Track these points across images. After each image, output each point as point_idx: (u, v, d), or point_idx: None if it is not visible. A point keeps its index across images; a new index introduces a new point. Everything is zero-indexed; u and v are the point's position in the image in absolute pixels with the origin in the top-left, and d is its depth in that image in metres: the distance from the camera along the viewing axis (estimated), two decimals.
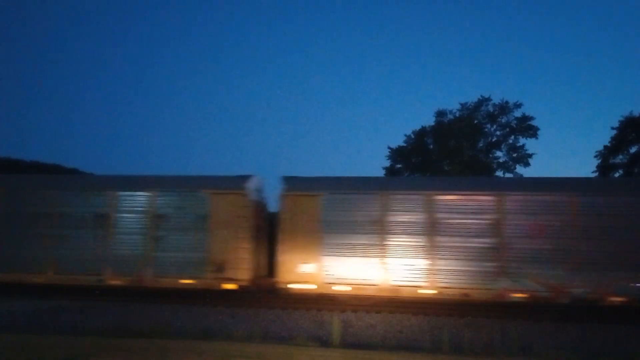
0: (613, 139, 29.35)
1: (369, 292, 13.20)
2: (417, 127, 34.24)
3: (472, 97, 45.26)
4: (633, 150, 28.83)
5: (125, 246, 14.37)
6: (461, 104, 33.56)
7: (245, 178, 14.51)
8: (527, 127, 32.03)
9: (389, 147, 33.89)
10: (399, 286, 13.07)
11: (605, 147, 29.74)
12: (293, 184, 14.35)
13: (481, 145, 33.22)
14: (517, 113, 32.39)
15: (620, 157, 29.35)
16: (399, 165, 33.86)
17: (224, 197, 14.12)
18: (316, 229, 13.56)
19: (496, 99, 33.05)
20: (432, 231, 13.12)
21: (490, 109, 33.03)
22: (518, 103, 32.44)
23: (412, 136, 33.85)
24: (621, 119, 29.12)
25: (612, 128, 29.52)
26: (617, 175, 28.99)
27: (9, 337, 9.39)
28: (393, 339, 10.29)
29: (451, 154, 31.71)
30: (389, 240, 13.27)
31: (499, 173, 32.03)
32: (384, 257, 13.21)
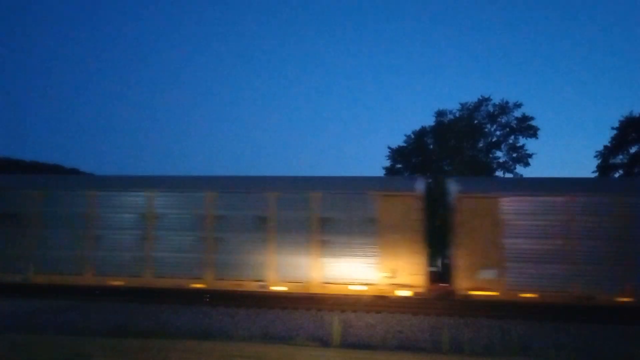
0: (613, 139, 29.35)
1: (560, 299, 12.40)
2: (417, 127, 34.20)
3: (472, 97, 45.30)
4: (633, 150, 28.83)
5: (289, 250, 13.65)
6: (461, 104, 33.51)
7: (415, 179, 13.71)
8: (527, 127, 32.00)
9: (389, 147, 33.87)
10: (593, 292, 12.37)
11: (605, 147, 29.74)
12: (469, 185, 13.72)
13: (481, 145, 33.18)
14: (517, 113, 32.35)
15: (620, 157, 29.35)
16: (399, 165, 33.82)
17: (393, 199, 13.33)
18: (498, 233, 12.80)
19: (496, 99, 33.02)
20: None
21: (490, 109, 32.99)
22: (518, 103, 32.42)
23: (412, 136, 33.80)
24: (621, 119, 29.14)
25: (612, 128, 29.55)
26: (617, 175, 29.00)
27: (9, 337, 9.39)
28: (393, 339, 10.29)
29: (451, 154, 31.67)
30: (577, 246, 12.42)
31: (499, 173, 32.01)
32: (575, 263, 12.40)
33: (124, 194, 14.76)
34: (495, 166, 32.37)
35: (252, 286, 13.65)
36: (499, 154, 32.94)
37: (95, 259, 14.50)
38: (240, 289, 13.71)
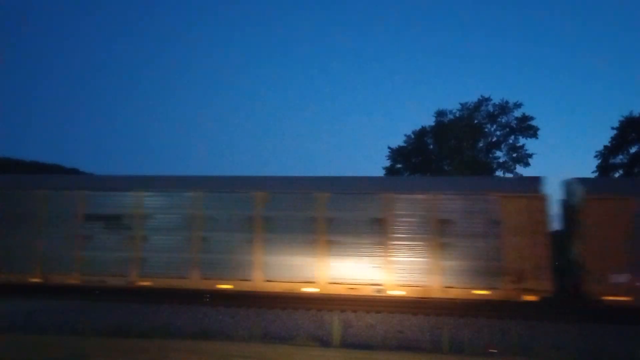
0: (613, 139, 29.34)
1: None
2: (417, 127, 34.24)
3: (472, 97, 45.35)
4: (633, 150, 28.83)
5: (405, 253, 13.23)
6: (461, 104, 33.54)
7: (538, 179, 13.38)
8: (527, 127, 32.01)
9: (389, 147, 33.90)
10: None
11: (605, 147, 29.72)
12: (598, 187, 13.38)
13: (481, 145, 33.20)
14: (517, 113, 32.37)
15: (620, 157, 29.35)
16: (399, 165, 33.85)
17: (517, 200, 12.91)
18: (631, 236, 12.31)
19: (496, 99, 33.05)
20: None
21: (490, 109, 33.01)
22: (518, 103, 32.44)
23: (412, 136, 33.84)
24: (621, 119, 29.13)
25: (612, 128, 29.53)
26: (617, 175, 29.00)
27: (9, 337, 9.38)
28: (393, 339, 10.29)
29: (451, 154, 31.70)
30: None
31: (499, 173, 32.02)
32: None
33: (233, 194, 14.38)
34: (495, 166, 32.39)
35: (367, 290, 13.25)
36: (499, 154, 32.97)
37: (202, 262, 14.13)
38: (355, 294, 13.34)
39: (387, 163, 34.14)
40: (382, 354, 8.97)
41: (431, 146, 33.39)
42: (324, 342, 9.84)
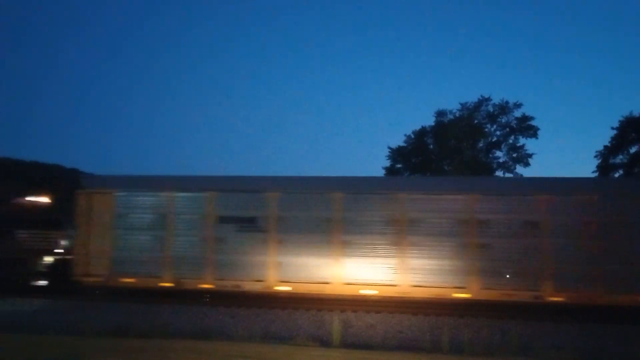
0: (613, 139, 29.36)
1: None
2: (417, 127, 34.26)
3: (472, 97, 45.30)
4: (633, 150, 28.85)
5: (567, 258, 12.58)
6: (461, 104, 33.57)
7: None
8: (527, 127, 32.04)
9: (389, 147, 33.91)
10: None
11: (605, 147, 29.74)
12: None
13: (481, 145, 33.23)
14: (517, 113, 32.41)
15: (620, 157, 29.36)
16: (399, 165, 33.86)
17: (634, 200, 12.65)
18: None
19: (496, 99, 33.07)
20: None
21: (490, 109, 33.03)
22: (518, 103, 32.47)
23: (412, 136, 33.86)
24: (621, 119, 29.15)
25: (612, 128, 29.55)
26: (617, 175, 29.00)
27: (9, 337, 9.39)
28: (393, 339, 10.30)
29: (451, 154, 31.73)
30: None
31: (499, 173, 32.04)
32: None
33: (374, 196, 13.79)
34: (495, 166, 32.41)
35: (525, 296, 12.75)
36: (499, 154, 33.02)
37: (344, 266, 13.51)
38: (509, 299, 12.75)
39: (387, 163, 34.18)
40: (382, 354, 8.97)
41: (431, 146, 33.42)
42: (324, 342, 9.84)
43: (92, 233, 14.64)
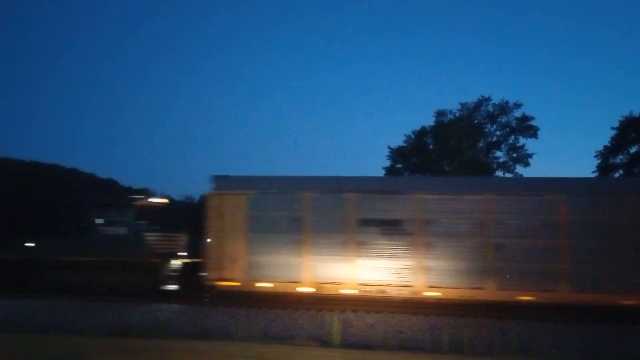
0: (613, 139, 29.36)
1: None
2: (417, 127, 34.24)
3: (472, 97, 45.27)
4: (633, 150, 28.85)
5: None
6: (461, 104, 33.54)
7: None
8: (527, 127, 32.03)
9: (389, 147, 33.90)
10: None
11: (605, 147, 29.74)
12: None
13: (481, 145, 33.22)
14: (517, 113, 32.40)
15: (620, 157, 29.37)
16: (399, 165, 33.85)
17: None
18: None
19: (496, 99, 33.05)
20: None
21: (490, 109, 33.02)
22: (518, 103, 32.46)
23: (412, 136, 33.84)
24: (621, 119, 29.16)
25: (612, 128, 29.56)
26: (617, 175, 29.01)
27: (9, 337, 9.38)
28: (393, 339, 10.28)
29: (451, 154, 31.71)
30: None
31: (499, 173, 32.03)
32: None
33: (531, 198, 13.22)
34: (495, 166, 32.40)
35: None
36: (499, 154, 33.00)
37: (499, 271, 12.96)
38: None
39: (387, 163, 34.17)
40: (382, 354, 8.97)
41: (431, 146, 33.40)
42: (324, 342, 9.84)
43: (224, 236, 14.06)
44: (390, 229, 13.57)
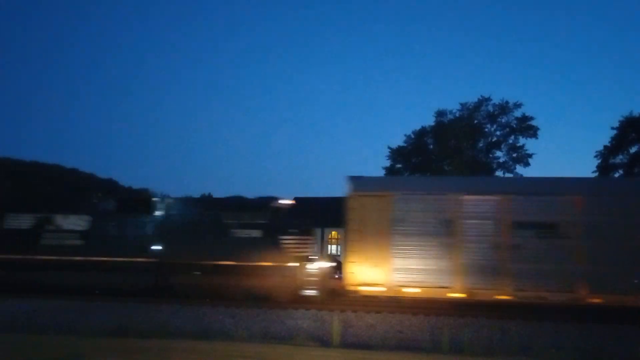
0: (613, 139, 29.40)
1: None
2: (417, 127, 34.29)
3: (472, 97, 45.34)
4: (633, 150, 28.88)
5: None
6: (461, 104, 33.61)
7: None
8: (527, 127, 32.08)
9: (389, 147, 33.94)
10: None
11: (605, 147, 29.79)
12: None
13: (481, 145, 33.26)
14: (517, 113, 32.47)
15: (620, 157, 29.40)
16: (399, 165, 33.89)
17: None
18: None
19: (496, 99, 33.10)
20: None
21: (490, 109, 33.07)
22: (518, 103, 32.52)
23: (412, 136, 33.91)
24: (621, 119, 29.20)
25: (612, 128, 29.60)
26: (617, 175, 29.02)
27: (9, 337, 9.39)
28: (393, 339, 10.29)
29: (451, 154, 31.74)
30: None
31: (499, 173, 32.06)
32: None
33: None
34: (495, 166, 32.45)
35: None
36: (499, 154, 33.06)
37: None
38: None
39: (387, 163, 34.20)
40: (382, 354, 8.98)
41: (431, 146, 33.44)
42: (324, 342, 9.84)
43: (366, 239, 13.47)
44: (547, 232, 13.05)
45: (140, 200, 17.25)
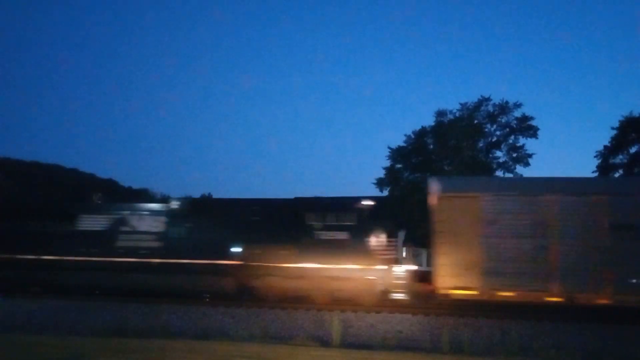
0: (613, 139, 29.34)
1: None
2: (417, 127, 34.18)
3: (472, 97, 45.28)
4: (633, 150, 28.84)
5: None
6: (461, 104, 33.47)
7: None
8: (527, 127, 31.99)
9: (389, 147, 33.86)
10: None
11: (605, 147, 29.72)
12: None
13: (481, 145, 33.18)
14: (517, 113, 32.32)
15: (620, 157, 29.35)
16: (399, 165, 33.82)
17: None
18: None
19: (496, 99, 33.00)
20: None
21: (490, 109, 32.96)
22: (518, 103, 32.39)
23: (412, 136, 33.80)
24: (621, 119, 29.14)
25: (612, 128, 29.54)
26: (617, 175, 29.00)
27: (9, 337, 9.39)
28: (393, 339, 10.29)
29: (451, 154, 31.68)
30: None
31: (499, 173, 32.02)
32: None
33: None
34: (495, 166, 32.41)
35: None
36: (499, 154, 32.96)
37: None
38: None
39: (387, 163, 34.15)
40: (382, 354, 8.97)
41: (431, 146, 33.38)
42: (324, 342, 9.85)
43: (456, 241, 13.09)
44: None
45: (220, 202, 17.10)
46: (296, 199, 15.68)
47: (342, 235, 14.22)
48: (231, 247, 14.56)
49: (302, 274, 13.94)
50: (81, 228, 15.84)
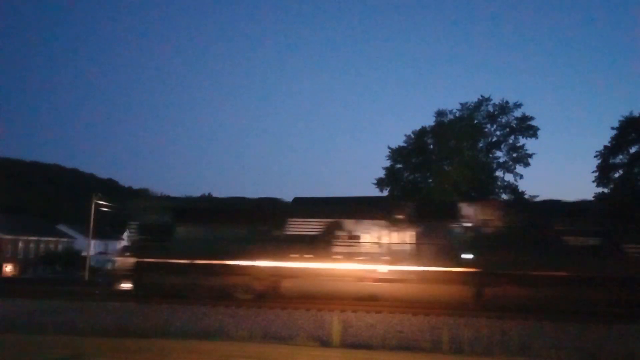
0: (613, 139, 29.34)
1: None
2: (417, 127, 34.19)
3: (472, 97, 45.35)
4: (633, 150, 28.82)
5: None
6: (461, 104, 33.50)
7: None
8: (527, 127, 32.01)
9: (389, 147, 33.87)
10: None
11: (605, 147, 29.72)
12: None
13: (481, 145, 33.19)
14: (517, 113, 32.36)
15: (620, 157, 29.34)
16: (399, 165, 33.83)
17: None
18: None
19: (496, 99, 33.03)
20: None
21: (490, 109, 32.99)
22: (518, 103, 32.43)
23: (412, 136, 33.82)
24: (621, 119, 29.14)
25: (612, 128, 29.53)
26: (617, 175, 29.01)
27: (9, 337, 9.39)
28: (393, 339, 10.29)
29: (451, 154, 31.68)
30: None
31: (499, 173, 32.06)
32: None
33: None
34: (495, 166, 32.43)
35: None
36: (499, 154, 32.99)
37: None
38: None
39: (387, 163, 34.14)
40: (382, 354, 8.98)
41: (431, 146, 33.38)
42: (324, 342, 9.85)
43: None
44: None
45: (443, 205, 16.07)
46: (543, 202, 14.92)
47: (594, 241, 13.27)
48: (464, 254, 13.77)
49: (546, 282, 12.98)
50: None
